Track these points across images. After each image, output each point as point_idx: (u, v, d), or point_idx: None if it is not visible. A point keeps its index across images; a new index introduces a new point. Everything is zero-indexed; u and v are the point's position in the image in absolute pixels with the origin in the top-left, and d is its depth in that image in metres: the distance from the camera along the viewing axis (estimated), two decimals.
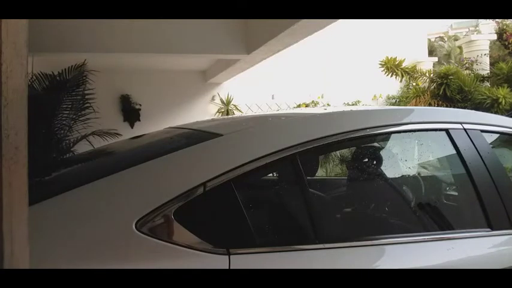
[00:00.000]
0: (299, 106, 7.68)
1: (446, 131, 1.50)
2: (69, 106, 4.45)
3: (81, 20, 4.08)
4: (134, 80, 7.01)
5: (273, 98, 7.69)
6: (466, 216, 1.67)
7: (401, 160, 1.82)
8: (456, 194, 1.87)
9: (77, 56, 4.62)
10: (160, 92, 7.15)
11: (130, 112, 7.08)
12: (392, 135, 1.60)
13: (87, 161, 1.74)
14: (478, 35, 8.32)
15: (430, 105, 6.04)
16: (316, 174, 2.11)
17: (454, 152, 1.49)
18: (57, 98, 4.31)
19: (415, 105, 6.26)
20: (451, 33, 13.70)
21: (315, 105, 7.77)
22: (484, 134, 1.56)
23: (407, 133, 1.54)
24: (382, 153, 1.71)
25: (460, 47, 10.39)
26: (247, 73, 6.44)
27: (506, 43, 9.06)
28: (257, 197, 1.34)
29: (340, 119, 1.49)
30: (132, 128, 6.99)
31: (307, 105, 7.71)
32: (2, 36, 0.59)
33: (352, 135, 1.34)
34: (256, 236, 1.10)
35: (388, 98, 8.20)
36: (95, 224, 1.02)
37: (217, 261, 1.02)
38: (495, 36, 8.74)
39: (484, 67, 7.40)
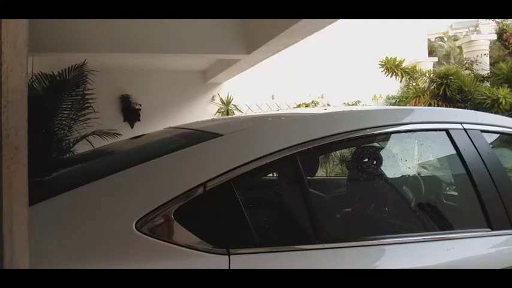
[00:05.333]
0: (299, 106, 7.67)
1: (446, 131, 1.50)
2: (69, 106, 4.47)
3: (80, 20, 4.08)
4: (134, 80, 7.01)
5: (273, 98, 7.68)
6: (466, 216, 1.67)
7: (401, 160, 1.82)
8: (456, 194, 1.87)
9: (76, 56, 4.62)
10: (160, 92, 7.15)
11: (130, 112, 7.06)
12: (393, 135, 1.60)
13: (87, 161, 1.74)
14: (478, 35, 8.31)
15: (430, 105, 6.04)
16: (316, 174, 2.11)
17: (454, 152, 1.49)
18: (57, 98, 4.32)
19: (415, 105, 6.26)
20: (451, 33, 13.70)
21: (315, 105, 7.77)
22: (484, 134, 1.56)
23: (407, 133, 1.54)
24: (382, 153, 1.71)
25: (460, 47, 10.39)
26: (247, 73, 6.43)
27: (506, 43, 9.07)
28: (257, 197, 1.34)
29: (340, 119, 1.49)
30: (132, 128, 6.99)
31: (307, 105, 7.71)
32: (2, 36, 0.59)
33: (352, 135, 1.34)
34: (256, 236, 1.10)
35: (388, 98, 8.20)
36: (95, 224, 1.02)
37: (217, 261, 1.02)
38: (495, 36, 8.73)
39: (484, 67, 7.39)
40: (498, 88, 5.90)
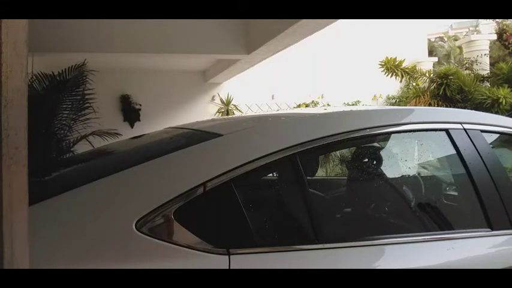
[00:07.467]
0: (299, 106, 7.67)
1: (446, 131, 1.50)
2: (69, 106, 4.46)
3: (81, 20, 4.08)
4: (134, 80, 7.01)
5: (273, 98, 7.69)
6: (466, 216, 1.67)
7: (401, 160, 1.82)
8: (456, 194, 1.87)
9: (77, 56, 4.62)
10: (160, 92, 7.15)
11: (130, 112, 7.07)
12: (393, 135, 1.60)
13: (87, 161, 1.74)
14: (478, 35, 8.30)
15: (430, 105, 6.04)
16: (316, 174, 2.11)
17: (454, 152, 1.49)
18: (57, 98, 4.31)
19: (415, 105, 6.26)
20: (451, 33, 13.70)
21: (315, 105, 7.77)
22: (484, 134, 1.56)
23: (407, 133, 1.54)
24: (382, 153, 1.70)
25: (460, 47, 10.39)
26: (247, 73, 6.44)
27: (506, 43, 9.08)
28: (257, 197, 1.34)
29: (340, 119, 1.49)
30: (132, 128, 6.99)
31: (307, 105, 7.71)
32: (2, 36, 0.59)
33: (352, 135, 1.34)
34: (256, 236, 1.10)
35: (388, 98, 8.20)
36: (95, 224, 1.02)
37: (217, 261, 1.02)
38: (495, 36, 8.73)
39: (484, 67, 7.39)
40: (498, 88, 5.90)
